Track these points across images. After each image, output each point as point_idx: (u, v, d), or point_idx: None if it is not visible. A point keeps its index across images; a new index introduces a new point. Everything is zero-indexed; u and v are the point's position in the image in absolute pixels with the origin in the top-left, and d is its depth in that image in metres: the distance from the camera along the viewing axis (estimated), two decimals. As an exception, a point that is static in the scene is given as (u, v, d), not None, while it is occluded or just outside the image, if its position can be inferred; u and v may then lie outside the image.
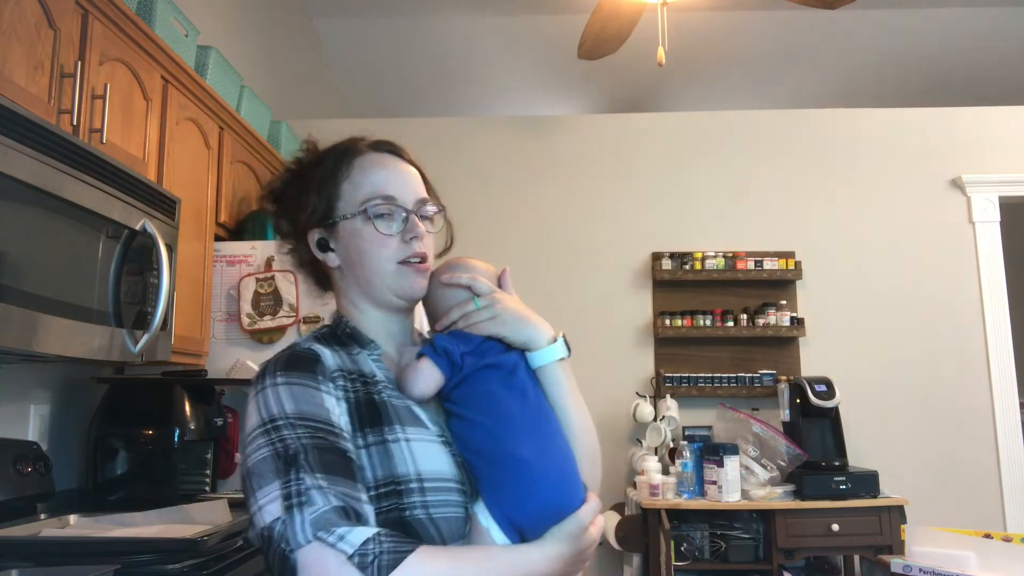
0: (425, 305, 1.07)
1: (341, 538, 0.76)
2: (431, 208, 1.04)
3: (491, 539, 0.87)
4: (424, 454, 0.89)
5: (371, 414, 0.90)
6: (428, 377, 0.94)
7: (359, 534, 0.76)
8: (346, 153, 1.03)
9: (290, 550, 0.76)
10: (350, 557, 0.75)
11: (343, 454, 0.83)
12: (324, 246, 1.02)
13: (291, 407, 0.85)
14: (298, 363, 0.90)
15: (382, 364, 0.98)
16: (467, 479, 0.91)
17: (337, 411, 0.87)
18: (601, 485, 1.00)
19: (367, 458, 0.86)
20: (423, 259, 1.00)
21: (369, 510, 0.81)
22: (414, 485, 0.86)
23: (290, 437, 0.82)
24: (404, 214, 1.00)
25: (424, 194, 1.04)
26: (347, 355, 0.96)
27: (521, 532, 0.88)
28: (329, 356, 0.93)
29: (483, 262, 1.08)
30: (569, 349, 1.01)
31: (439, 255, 1.08)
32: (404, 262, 0.99)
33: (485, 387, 0.95)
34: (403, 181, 1.01)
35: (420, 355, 0.97)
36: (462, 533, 0.88)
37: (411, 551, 0.77)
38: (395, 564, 0.75)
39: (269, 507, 0.79)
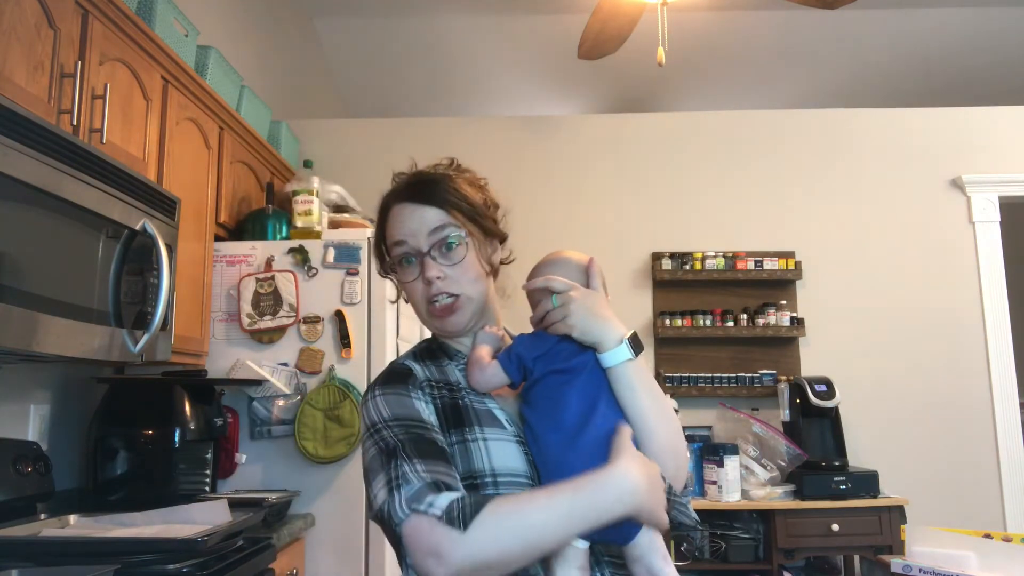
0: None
1: (431, 505, 0.88)
2: (451, 232, 1.05)
3: None
4: (499, 452, 0.99)
5: (455, 417, 1.01)
6: (491, 377, 1.02)
7: (445, 498, 0.88)
8: (378, 216, 1.13)
9: (396, 525, 0.89)
10: (439, 518, 0.87)
11: (435, 443, 0.97)
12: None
13: (388, 413, 1.00)
14: (393, 378, 1.05)
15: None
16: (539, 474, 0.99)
17: (427, 412, 1.01)
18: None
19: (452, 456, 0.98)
20: (451, 296, 1.05)
21: (460, 485, 0.93)
22: (488, 480, 0.96)
23: (389, 436, 0.97)
24: (417, 258, 1.06)
25: (438, 222, 1.05)
26: (436, 367, 1.08)
27: None
28: (419, 369, 1.07)
29: (576, 253, 1.11)
30: (635, 349, 1.01)
31: (507, 260, 1.15)
32: (430, 305, 1.07)
33: (547, 392, 1.00)
34: (410, 226, 1.06)
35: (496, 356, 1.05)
36: None
37: (490, 501, 0.88)
38: (476, 513, 0.87)
39: (379, 493, 0.92)
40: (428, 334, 1.17)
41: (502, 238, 1.15)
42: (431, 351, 1.12)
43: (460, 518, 0.86)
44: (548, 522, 0.87)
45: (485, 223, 1.10)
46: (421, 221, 1.06)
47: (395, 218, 1.08)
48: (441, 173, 1.12)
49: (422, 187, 1.09)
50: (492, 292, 1.13)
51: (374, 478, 0.95)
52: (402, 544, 0.90)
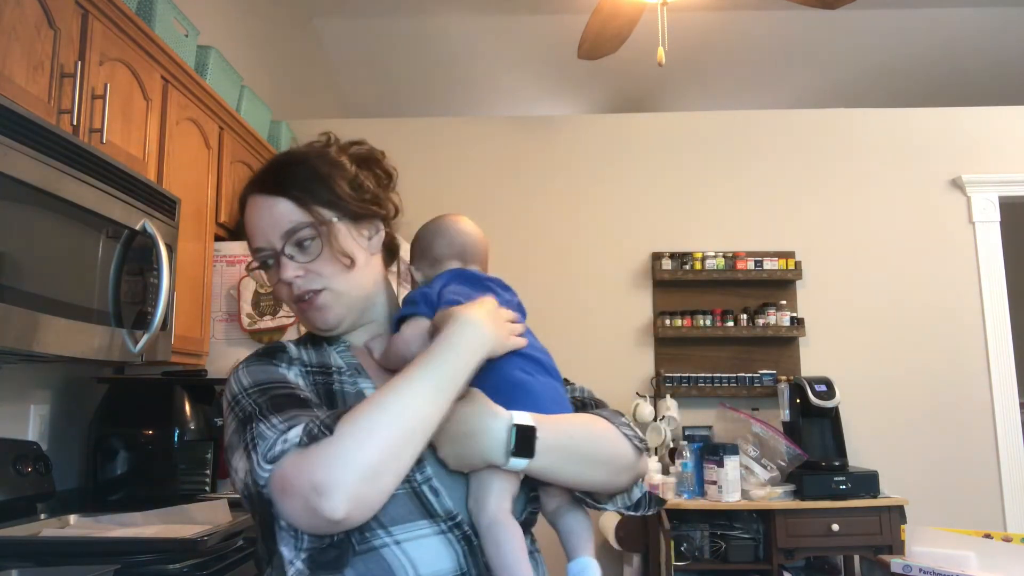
0: (422, 251, 1.09)
1: (285, 441, 0.80)
2: (302, 229, 0.95)
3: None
4: None
5: (328, 402, 0.93)
6: (419, 332, 0.96)
7: (295, 430, 0.81)
8: (238, 209, 1.04)
9: (263, 488, 0.80)
10: (299, 445, 0.79)
11: (295, 396, 0.88)
12: None
13: (248, 381, 0.91)
14: (261, 353, 0.97)
15: (348, 354, 1.00)
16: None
17: (293, 378, 0.93)
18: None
19: None
20: (313, 292, 0.96)
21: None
22: None
23: (247, 403, 0.88)
24: (275, 259, 0.97)
25: (291, 223, 0.95)
26: (315, 351, 1.00)
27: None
28: (293, 348, 0.99)
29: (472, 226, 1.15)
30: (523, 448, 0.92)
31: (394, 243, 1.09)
32: (298, 304, 0.98)
33: None
34: (262, 224, 0.97)
35: (399, 320, 0.99)
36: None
37: (347, 408, 0.84)
38: (336, 419, 0.81)
39: (239, 467, 0.84)
40: None
41: (384, 216, 1.04)
42: (315, 338, 1.02)
43: (322, 429, 0.79)
44: (417, 397, 0.82)
45: (350, 206, 0.98)
46: (271, 216, 0.96)
47: (249, 216, 0.99)
48: (302, 152, 1.02)
49: (274, 174, 0.99)
50: (377, 279, 1.03)
51: (233, 454, 0.85)
52: (271, 504, 0.80)
